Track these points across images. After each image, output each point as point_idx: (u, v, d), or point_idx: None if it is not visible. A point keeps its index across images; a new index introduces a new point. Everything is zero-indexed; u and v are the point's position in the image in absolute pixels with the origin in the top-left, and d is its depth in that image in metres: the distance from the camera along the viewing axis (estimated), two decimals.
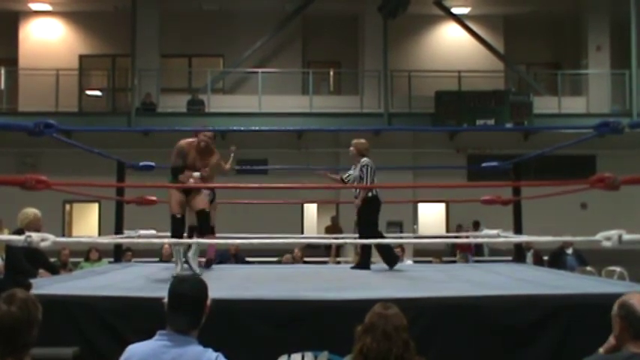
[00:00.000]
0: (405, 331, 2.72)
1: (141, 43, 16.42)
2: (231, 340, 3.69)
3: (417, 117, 16.19)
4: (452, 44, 18.32)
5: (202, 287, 2.68)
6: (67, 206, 16.49)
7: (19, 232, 5.24)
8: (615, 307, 2.89)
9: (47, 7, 17.65)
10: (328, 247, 13.77)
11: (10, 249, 5.62)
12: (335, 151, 15.40)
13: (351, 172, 6.93)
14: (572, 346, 3.97)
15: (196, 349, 2.58)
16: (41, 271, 6.19)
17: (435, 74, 16.94)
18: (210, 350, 2.60)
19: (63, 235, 14.52)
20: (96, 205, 16.14)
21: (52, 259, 7.54)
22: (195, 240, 6.37)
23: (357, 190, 6.67)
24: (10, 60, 17.52)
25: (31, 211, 6.24)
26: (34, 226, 5.94)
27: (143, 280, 5.83)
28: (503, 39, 18.32)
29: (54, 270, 6.98)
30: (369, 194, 6.56)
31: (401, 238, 11.26)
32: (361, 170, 6.66)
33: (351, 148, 6.84)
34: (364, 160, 6.71)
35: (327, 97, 17.47)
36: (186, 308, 2.61)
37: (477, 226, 14.57)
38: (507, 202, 7.96)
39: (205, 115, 16.10)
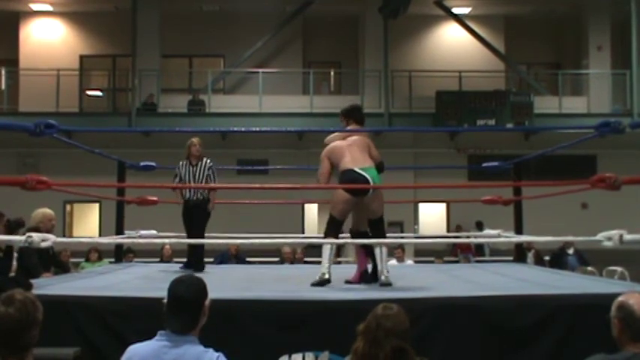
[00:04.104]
0: (399, 336, 2.67)
1: (141, 44, 16.42)
2: (232, 341, 3.68)
3: (417, 117, 16.18)
4: (452, 44, 18.32)
5: (199, 288, 2.67)
6: (68, 206, 16.48)
7: (32, 230, 5.25)
8: (613, 309, 2.88)
9: (48, 8, 17.65)
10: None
11: (22, 248, 5.65)
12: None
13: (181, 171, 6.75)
14: (573, 346, 3.96)
15: (197, 349, 2.58)
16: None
17: (436, 74, 16.92)
18: (211, 350, 2.59)
19: (64, 236, 14.52)
20: (96, 206, 16.14)
21: None
22: (195, 240, 6.38)
23: (205, 191, 6.61)
24: (11, 60, 17.53)
25: (41, 211, 6.32)
26: (44, 225, 5.99)
27: (144, 281, 5.83)
28: (503, 39, 18.31)
29: (66, 269, 7.02)
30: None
31: (402, 238, 11.23)
32: (210, 170, 6.67)
33: (199, 147, 6.69)
34: (209, 160, 6.73)
35: (327, 98, 17.45)
36: (182, 310, 2.61)
37: (479, 226, 14.55)
38: (508, 202, 7.96)
39: (206, 115, 16.12)
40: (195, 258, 6.58)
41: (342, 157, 5.24)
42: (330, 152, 5.38)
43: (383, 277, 5.06)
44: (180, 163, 6.73)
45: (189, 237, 6.58)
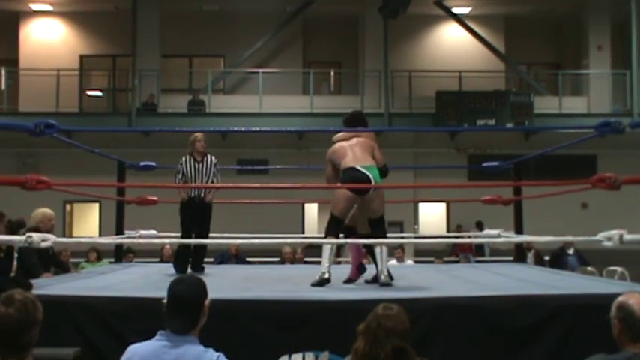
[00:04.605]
0: (400, 336, 2.68)
1: (141, 44, 16.43)
2: (232, 341, 3.68)
3: (417, 117, 16.18)
4: (452, 44, 18.32)
5: (199, 288, 2.68)
6: (68, 206, 16.48)
7: (32, 230, 5.25)
8: (613, 309, 2.88)
9: (48, 8, 17.65)
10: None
11: (22, 248, 5.65)
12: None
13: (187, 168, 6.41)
14: (573, 346, 3.96)
15: (197, 349, 2.59)
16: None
17: (436, 74, 16.93)
18: (211, 350, 2.60)
19: (64, 236, 14.52)
20: (96, 206, 16.14)
21: None
22: (195, 240, 6.36)
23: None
24: (11, 60, 17.54)
25: (41, 211, 6.31)
26: (44, 225, 5.99)
27: (144, 280, 5.83)
28: (503, 39, 18.31)
29: (66, 269, 7.02)
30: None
31: (402, 238, 11.23)
32: (215, 167, 6.41)
33: (204, 143, 6.42)
34: (214, 157, 6.48)
35: (327, 97, 17.47)
36: (182, 309, 2.61)
37: (480, 226, 14.55)
38: (508, 202, 7.96)
39: (206, 115, 16.13)
40: (198, 258, 6.44)
41: (344, 156, 5.25)
42: (332, 154, 5.40)
43: (383, 277, 5.06)
44: (183, 159, 6.40)
45: (186, 236, 6.35)
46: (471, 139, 16.63)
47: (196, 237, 6.35)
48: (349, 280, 5.51)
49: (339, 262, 12.41)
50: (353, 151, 5.26)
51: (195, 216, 6.33)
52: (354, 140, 5.37)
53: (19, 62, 17.51)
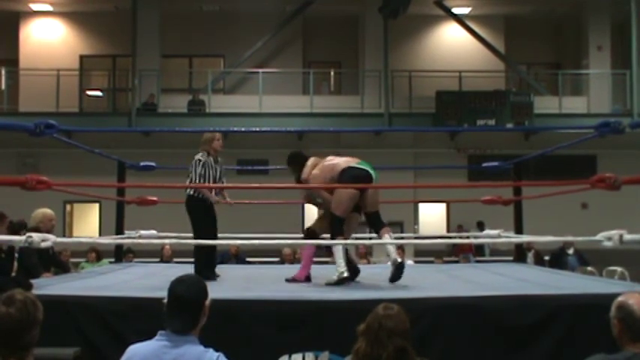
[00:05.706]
0: (401, 336, 2.68)
1: (141, 44, 16.43)
2: (232, 341, 3.68)
3: (417, 117, 16.18)
4: (452, 44, 18.32)
5: (199, 288, 2.67)
6: (68, 206, 16.48)
7: (32, 230, 5.25)
8: (613, 309, 2.88)
9: (48, 8, 17.66)
10: (329, 247, 13.72)
11: (22, 249, 5.66)
12: (336, 151, 15.29)
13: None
14: (573, 346, 3.97)
15: (197, 349, 2.58)
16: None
17: (436, 74, 16.93)
18: (211, 350, 2.60)
19: (64, 236, 14.51)
20: (96, 206, 16.14)
21: None
22: (195, 241, 6.30)
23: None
24: (11, 60, 17.54)
25: (41, 211, 6.32)
26: (44, 226, 6.00)
27: (144, 280, 5.83)
28: (503, 39, 18.31)
29: (66, 269, 7.03)
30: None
31: (402, 238, 11.23)
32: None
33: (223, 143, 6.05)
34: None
35: (327, 98, 17.47)
36: (182, 309, 2.61)
37: (481, 226, 14.55)
38: (508, 202, 7.96)
39: (206, 115, 16.13)
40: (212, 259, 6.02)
41: (333, 167, 5.41)
42: (316, 179, 5.44)
43: (399, 259, 5.24)
44: (204, 158, 5.81)
45: (199, 238, 5.70)
46: (470, 139, 16.62)
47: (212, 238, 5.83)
48: (293, 280, 5.51)
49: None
50: (337, 160, 5.47)
51: (213, 217, 5.92)
52: (327, 159, 5.56)
53: (19, 62, 17.52)
